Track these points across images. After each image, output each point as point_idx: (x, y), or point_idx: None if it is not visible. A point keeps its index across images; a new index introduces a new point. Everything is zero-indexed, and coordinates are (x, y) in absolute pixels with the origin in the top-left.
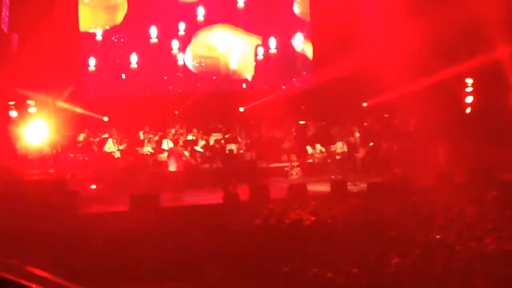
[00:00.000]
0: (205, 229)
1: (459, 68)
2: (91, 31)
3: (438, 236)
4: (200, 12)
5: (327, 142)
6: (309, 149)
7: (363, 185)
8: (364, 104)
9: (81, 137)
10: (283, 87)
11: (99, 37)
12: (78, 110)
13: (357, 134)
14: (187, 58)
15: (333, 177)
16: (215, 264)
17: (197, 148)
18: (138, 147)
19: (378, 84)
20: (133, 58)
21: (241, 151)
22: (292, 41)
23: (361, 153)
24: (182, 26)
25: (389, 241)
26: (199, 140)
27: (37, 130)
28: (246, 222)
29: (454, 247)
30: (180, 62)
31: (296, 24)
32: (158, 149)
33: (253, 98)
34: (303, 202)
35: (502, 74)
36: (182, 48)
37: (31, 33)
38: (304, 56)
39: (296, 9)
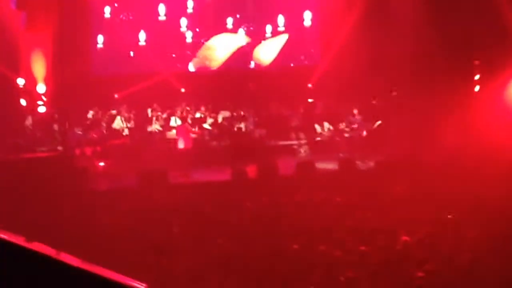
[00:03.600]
0: (213, 206)
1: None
2: None
3: (449, 216)
4: None
5: (335, 120)
6: (317, 127)
7: (371, 163)
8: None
9: (89, 115)
10: (291, 65)
11: (107, 15)
12: (86, 87)
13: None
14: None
15: (341, 155)
16: (223, 241)
17: (206, 125)
18: (146, 124)
19: (387, 62)
20: (142, 36)
21: (249, 129)
22: (301, 19)
23: (369, 131)
24: (190, 3)
25: (397, 219)
26: (208, 118)
27: (46, 107)
28: (254, 200)
29: (462, 225)
30: (188, 40)
31: (305, 2)
32: (166, 126)
33: (261, 76)
34: (312, 180)
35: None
36: (191, 26)
37: (39, 11)
38: (313, 34)
39: None
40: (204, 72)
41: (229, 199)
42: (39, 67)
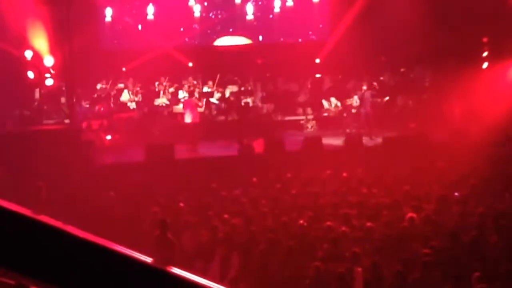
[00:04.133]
0: (219, 181)
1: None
2: None
3: (456, 193)
4: None
5: (343, 96)
6: (324, 103)
7: (378, 139)
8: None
9: (97, 88)
10: (299, 40)
11: None
12: (94, 60)
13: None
14: None
15: (348, 130)
16: (228, 216)
17: (213, 100)
18: (154, 98)
19: (395, 39)
20: (150, 9)
21: (256, 104)
22: None
23: (376, 107)
24: None
25: (403, 195)
26: (215, 92)
27: (53, 80)
28: (261, 175)
29: (469, 203)
30: (196, 14)
31: None
32: (174, 100)
33: (269, 51)
34: (318, 156)
35: None
36: (199, 0)
37: None
38: (321, 9)
39: None
40: (211, 47)
41: (235, 174)
42: (47, 40)
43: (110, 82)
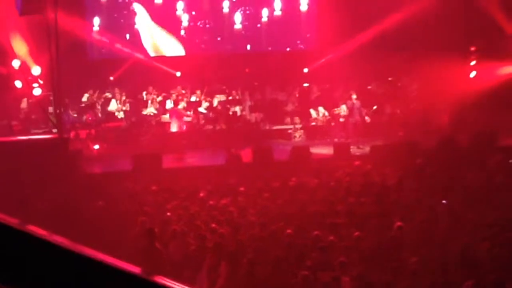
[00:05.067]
0: (207, 190)
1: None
2: None
3: (444, 201)
4: None
5: (331, 105)
6: (312, 112)
7: (366, 148)
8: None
9: (85, 98)
10: (287, 49)
11: None
12: (82, 70)
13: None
14: None
15: (336, 140)
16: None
17: (201, 109)
18: (141, 107)
19: (383, 48)
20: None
21: (244, 113)
22: (297, 3)
23: (364, 116)
24: None
25: (391, 205)
26: (203, 101)
27: (41, 89)
28: (248, 184)
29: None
30: (184, 23)
31: None
32: (162, 109)
33: (257, 60)
34: (306, 165)
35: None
36: (187, 9)
37: None
38: (309, 19)
39: None
40: (199, 56)
41: (223, 183)
42: (34, 50)
43: (97, 92)
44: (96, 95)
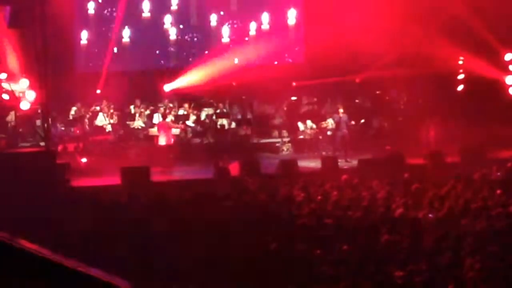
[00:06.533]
0: (194, 204)
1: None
2: None
3: (430, 215)
4: None
5: (318, 118)
6: (300, 125)
7: (354, 162)
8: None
9: (72, 111)
10: (275, 62)
11: (91, 11)
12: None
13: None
14: None
15: (324, 153)
16: (204, 240)
17: (189, 123)
18: (129, 121)
19: (370, 61)
20: (126, 32)
21: (232, 126)
22: (285, 17)
23: (352, 130)
24: (174, 0)
25: (379, 218)
26: (191, 115)
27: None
28: (236, 198)
29: (444, 225)
30: (172, 37)
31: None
32: (149, 123)
33: (245, 73)
34: (294, 178)
35: (494, 52)
36: (175, 23)
37: (23, 5)
38: (297, 32)
39: None
40: (187, 70)
41: (211, 197)
42: (21, 63)
43: (85, 105)
44: (83, 108)
